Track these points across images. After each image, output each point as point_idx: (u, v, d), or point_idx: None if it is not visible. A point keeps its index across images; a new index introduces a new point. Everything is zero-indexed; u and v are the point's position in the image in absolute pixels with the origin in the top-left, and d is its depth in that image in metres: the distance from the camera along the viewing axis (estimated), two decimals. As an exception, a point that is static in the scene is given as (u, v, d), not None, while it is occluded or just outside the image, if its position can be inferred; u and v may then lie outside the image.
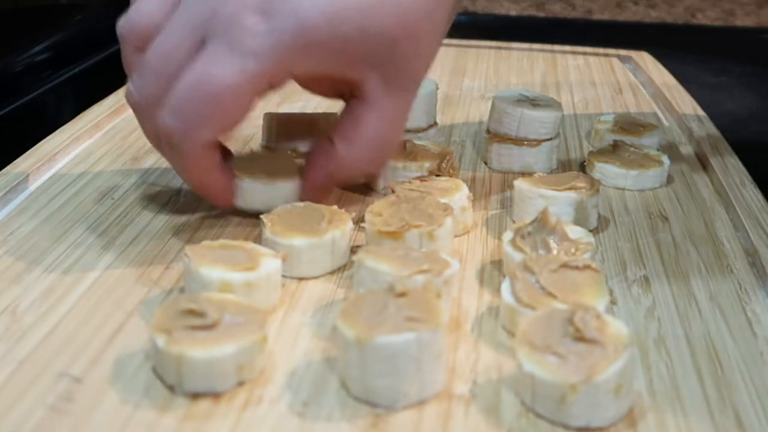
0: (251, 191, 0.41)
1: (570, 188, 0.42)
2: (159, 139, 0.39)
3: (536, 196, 0.42)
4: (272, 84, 0.38)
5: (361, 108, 0.40)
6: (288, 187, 0.41)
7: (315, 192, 0.42)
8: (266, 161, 0.43)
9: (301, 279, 0.38)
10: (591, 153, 0.49)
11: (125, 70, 0.40)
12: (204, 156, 0.38)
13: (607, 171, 0.48)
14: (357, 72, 0.38)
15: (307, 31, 0.36)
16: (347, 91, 0.41)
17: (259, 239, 0.39)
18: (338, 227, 0.38)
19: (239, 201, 0.41)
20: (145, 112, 0.39)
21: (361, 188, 0.47)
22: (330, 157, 0.41)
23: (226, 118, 0.37)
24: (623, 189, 0.47)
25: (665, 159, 0.48)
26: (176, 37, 0.37)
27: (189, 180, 0.41)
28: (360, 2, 0.36)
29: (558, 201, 0.41)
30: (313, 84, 0.43)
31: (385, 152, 0.42)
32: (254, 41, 0.35)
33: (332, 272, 0.38)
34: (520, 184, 0.43)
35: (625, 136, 0.51)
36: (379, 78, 0.39)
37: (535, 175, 0.44)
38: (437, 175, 0.44)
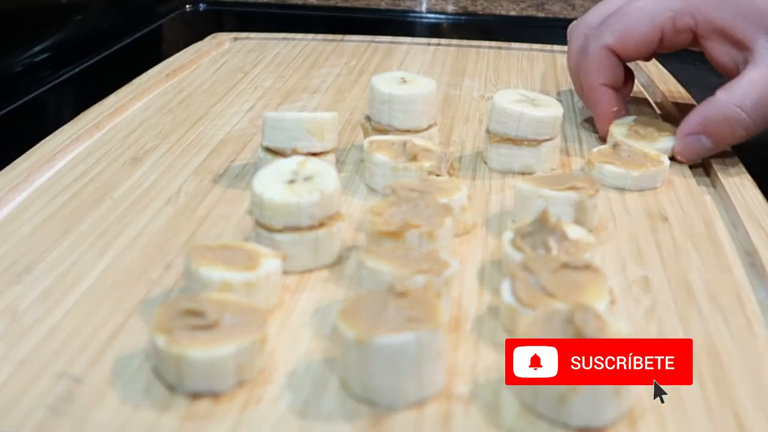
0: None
1: (570, 188, 0.41)
2: (581, 50, 0.52)
3: (536, 196, 0.42)
4: (675, 23, 0.49)
5: (749, 67, 0.46)
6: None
7: (686, 140, 0.48)
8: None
9: (300, 279, 0.38)
10: (591, 153, 0.49)
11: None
12: (601, 58, 0.50)
13: (607, 171, 0.48)
14: (753, 33, 0.46)
15: None
16: (740, 60, 0.48)
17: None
18: (326, 226, 0.38)
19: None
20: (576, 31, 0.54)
21: (361, 188, 0.47)
22: (707, 102, 0.47)
23: (629, 31, 0.49)
24: (623, 189, 0.47)
25: (665, 159, 0.48)
26: None
27: (585, 81, 0.52)
28: None
29: (558, 201, 0.41)
30: (711, 44, 0.49)
31: (760, 109, 0.46)
32: None
33: (332, 272, 0.38)
34: (520, 184, 0.43)
35: (638, 140, 0.51)
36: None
37: (535, 175, 0.44)
38: (437, 175, 0.44)
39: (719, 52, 0.49)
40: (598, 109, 0.53)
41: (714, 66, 0.51)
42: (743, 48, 0.47)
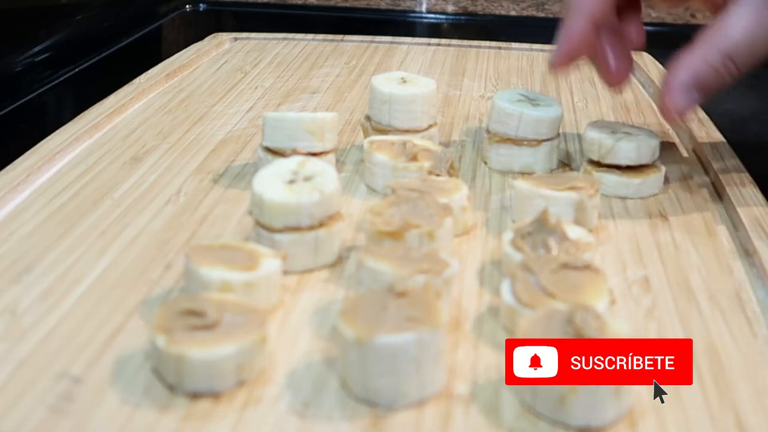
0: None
1: (570, 188, 0.41)
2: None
3: (536, 196, 0.42)
4: None
5: (732, 6, 0.42)
6: None
7: (673, 93, 0.43)
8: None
9: (300, 279, 0.38)
10: (588, 161, 0.48)
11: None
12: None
13: (607, 180, 0.46)
14: None
15: None
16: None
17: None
18: (326, 226, 0.38)
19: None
20: None
21: (361, 188, 0.47)
22: (694, 52, 0.42)
23: None
24: (625, 198, 0.46)
25: (661, 165, 0.48)
26: None
27: (572, 12, 0.45)
28: None
29: (558, 201, 0.41)
30: None
31: (744, 51, 0.42)
32: None
33: (332, 272, 0.38)
34: (520, 184, 0.43)
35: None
36: None
37: (535, 174, 0.44)
38: (437, 175, 0.44)
39: None
40: (569, 40, 0.46)
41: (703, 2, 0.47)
42: None
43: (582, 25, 0.45)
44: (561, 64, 0.46)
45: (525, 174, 0.46)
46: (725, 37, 0.42)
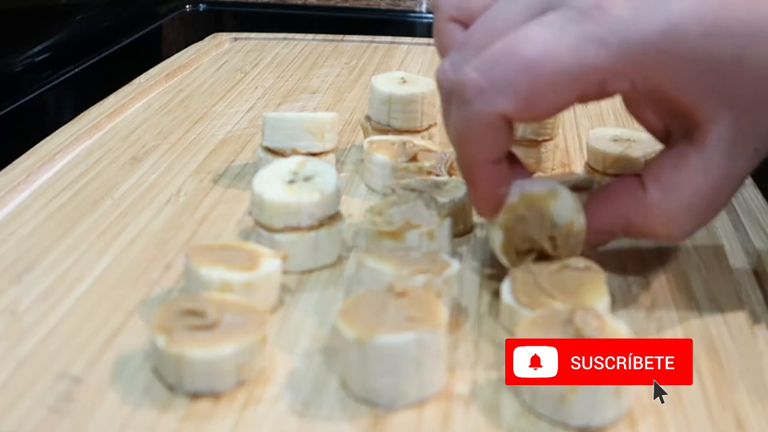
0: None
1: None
2: (449, 100, 0.33)
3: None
4: (604, 87, 0.31)
5: (693, 154, 0.32)
6: None
7: (599, 237, 0.35)
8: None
9: (300, 279, 0.38)
10: (589, 166, 0.48)
11: (436, 45, 0.38)
12: (488, 131, 0.32)
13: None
14: (711, 106, 0.31)
15: (677, 29, 0.30)
16: (677, 129, 0.34)
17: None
18: (326, 226, 0.38)
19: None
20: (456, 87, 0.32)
21: (361, 188, 0.47)
22: (636, 200, 0.34)
23: (535, 96, 0.31)
24: None
25: None
26: (516, 6, 0.32)
27: (462, 152, 0.34)
28: (745, 24, 0.30)
29: None
30: (643, 105, 0.35)
31: (698, 218, 0.34)
32: (606, 25, 0.30)
33: (332, 272, 0.38)
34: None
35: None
36: (731, 124, 0.31)
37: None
38: (437, 175, 0.44)
39: (650, 116, 0.35)
40: (481, 191, 0.35)
41: (637, 121, 0.37)
42: (690, 120, 0.32)
43: (496, 177, 0.35)
44: (491, 215, 0.36)
45: None
46: (675, 193, 0.33)
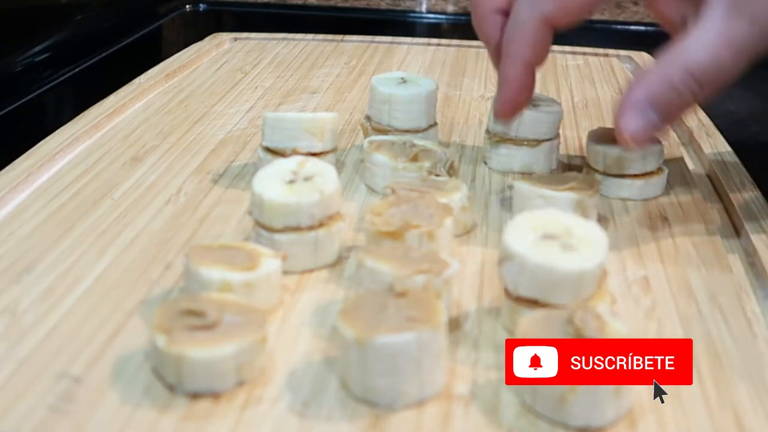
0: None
1: (570, 188, 0.41)
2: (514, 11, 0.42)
3: (536, 196, 0.42)
4: None
5: (697, 22, 0.37)
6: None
7: (630, 114, 0.39)
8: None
9: (300, 279, 0.38)
10: (589, 166, 0.48)
11: (480, 32, 0.45)
12: (532, 31, 0.41)
13: (609, 182, 0.46)
14: None
15: None
16: (691, 13, 0.39)
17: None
18: (326, 226, 0.38)
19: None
20: None
21: (361, 188, 0.47)
22: (652, 68, 0.38)
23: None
24: (627, 199, 0.46)
25: (663, 166, 0.48)
26: None
27: (509, 52, 0.42)
28: None
29: (558, 201, 0.41)
30: None
31: (709, 72, 0.37)
32: None
33: (332, 272, 0.38)
34: (519, 184, 0.43)
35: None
36: None
37: (535, 175, 0.44)
38: (437, 175, 0.44)
39: (668, 6, 0.42)
40: (509, 89, 0.43)
41: (657, 20, 0.44)
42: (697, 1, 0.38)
43: (519, 72, 0.42)
44: (507, 114, 0.44)
45: (525, 174, 0.46)
46: (687, 55, 0.37)
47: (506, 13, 0.43)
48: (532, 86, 0.43)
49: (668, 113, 0.38)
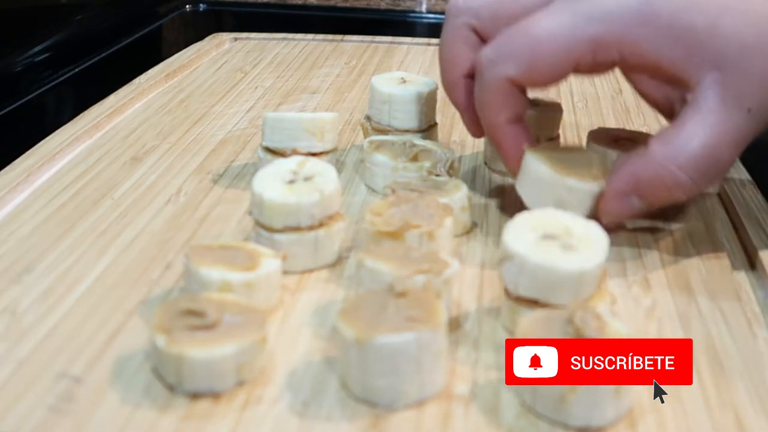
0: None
1: (594, 178, 0.39)
2: (478, 75, 0.40)
3: (559, 186, 0.38)
4: (596, 56, 0.37)
5: (689, 112, 0.36)
6: None
7: (617, 204, 0.38)
8: None
9: (300, 279, 0.38)
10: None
11: (447, 52, 0.43)
12: (500, 94, 0.39)
13: None
14: (695, 69, 0.36)
15: (651, 7, 0.36)
16: (677, 98, 0.38)
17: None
18: (326, 226, 0.38)
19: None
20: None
21: (361, 188, 0.47)
22: (642, 156, 0.37)
23: (535, 62, 0.38)
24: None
25: None
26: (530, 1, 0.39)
27: (484, 118, 0.41)
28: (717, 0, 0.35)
29: (579, 193, 0.38)
30: (640, 77, 0.41)
31: (703, 168, 0.36)
32: (595, 4, 0.36)
33: (332, 272, 0.38)
34: (537, 165, 0.39)
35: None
36: (717, 81, 0.35)
37: (545, 146, 0.42)
38: (437, 175, 0.44)
39: (650, 87, 0.40)
40: (505, 149, 0.41)
41: (643, 99, 0.42)
42: (681, 85, 0.37)
43: (517, 135, 0.41)
44: (517, 166, 0.41)
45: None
46: (675, 143, 0.36)
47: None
48: (525, 134, 0.41)
49: (655, 201, 0.38)
